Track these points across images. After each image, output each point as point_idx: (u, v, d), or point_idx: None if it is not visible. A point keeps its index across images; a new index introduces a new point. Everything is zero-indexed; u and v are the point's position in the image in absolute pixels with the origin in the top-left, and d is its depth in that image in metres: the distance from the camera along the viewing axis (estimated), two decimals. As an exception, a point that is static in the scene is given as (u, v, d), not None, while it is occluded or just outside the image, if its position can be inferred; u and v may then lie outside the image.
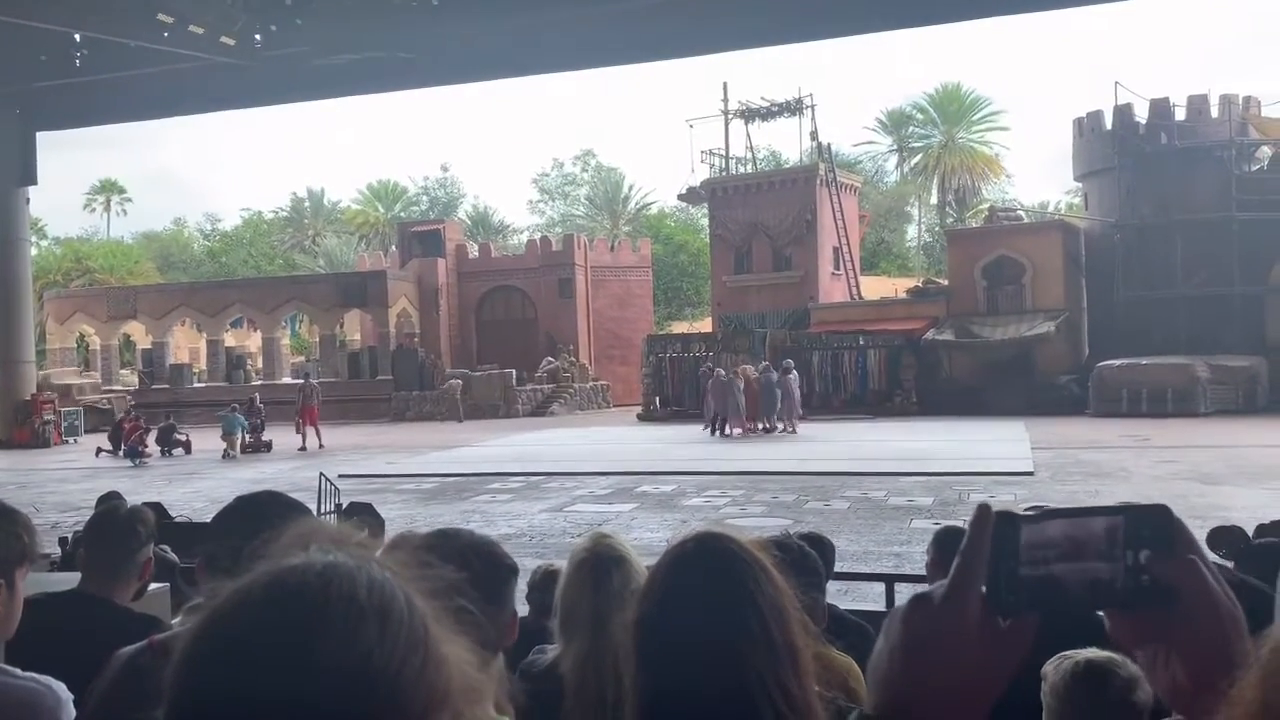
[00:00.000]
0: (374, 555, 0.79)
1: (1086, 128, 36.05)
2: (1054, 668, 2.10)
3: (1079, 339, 34.19)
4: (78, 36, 24.74)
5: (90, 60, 25.40)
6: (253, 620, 0.71)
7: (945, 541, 3.76)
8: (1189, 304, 31.47)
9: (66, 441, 29.75)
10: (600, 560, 2.05)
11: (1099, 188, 35.62)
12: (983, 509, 0.79)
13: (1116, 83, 34.41)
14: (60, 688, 1.86)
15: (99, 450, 24.46)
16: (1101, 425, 24.89)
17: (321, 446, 24.86)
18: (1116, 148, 33.43)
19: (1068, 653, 2.01)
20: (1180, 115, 33.89)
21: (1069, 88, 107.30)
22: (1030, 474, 15.82)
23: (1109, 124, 34.64)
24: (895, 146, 66.32)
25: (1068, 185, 53.43)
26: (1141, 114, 34.13)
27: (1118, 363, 28.70)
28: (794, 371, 26.31)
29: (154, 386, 38.65)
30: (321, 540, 0.77)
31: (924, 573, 4.48)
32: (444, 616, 0.79)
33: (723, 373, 25.79)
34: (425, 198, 72.27)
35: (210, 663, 0.70)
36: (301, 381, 28.54)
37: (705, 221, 47.67)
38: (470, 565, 1.55)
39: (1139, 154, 32.95)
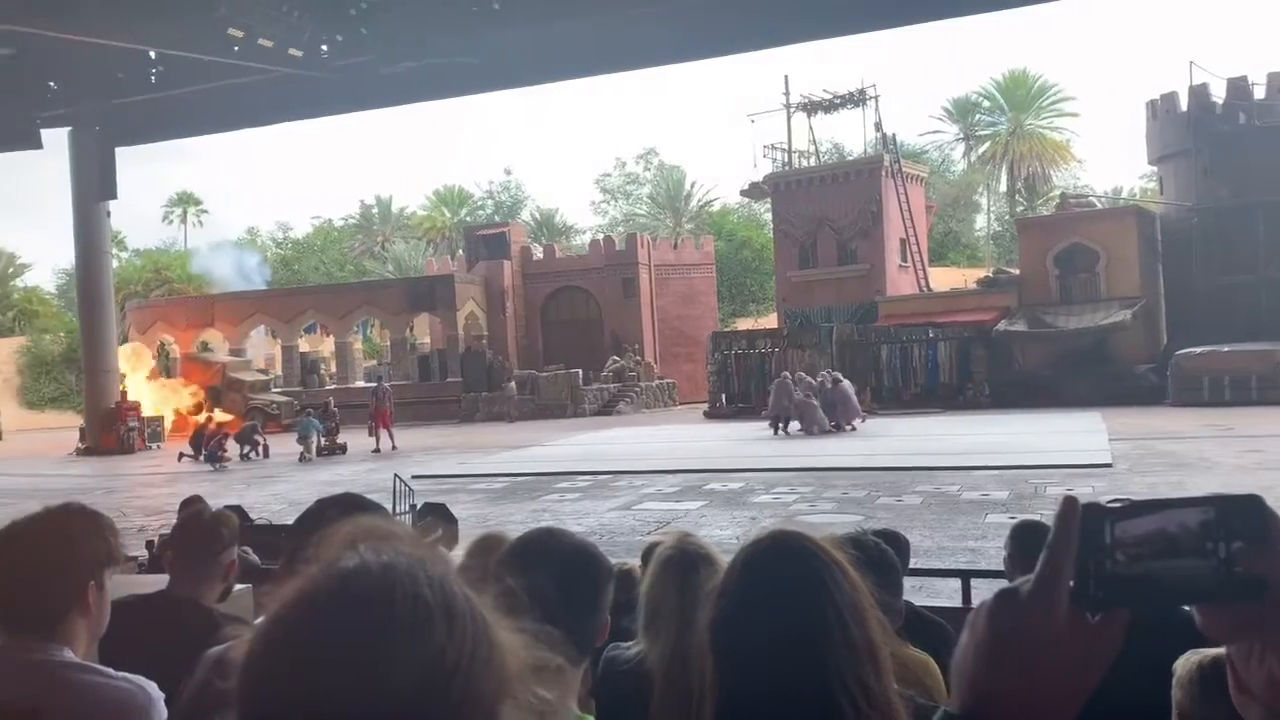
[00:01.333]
0: (425, 552, 0.78)
1: (1161, 110, 35.09)
2: (1183, 662, 2.07)
3: (1156, 327, 33.29)
4: (153, 54, 25.46)
5: (165, 76, 26.14)
6: (322, 624, 0.71)
7: (1023, 536, 3.69)
8: (1272, 288, 30.47)
9: (149, 447, 30.65)
10: (687, 558, 2.06)
11: (1175, 171, 34.66)
12: (1069, 501, 0.77)
13: (1191, 62, 33.50)
14: (152, 687, 1.92)
15: (181, 455, 25.14)
16: (1182, 415, 24.20)
17: (395, 448, 25.26)
18: (1192, 129, 32.52)
19: (1200, 650, 1.97)
20: (1260, 94, 32.82)
21: (1141, 70, 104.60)
22: (1108, 466, 15.45)
23: (1184, 105, 33.71)
24: (962, 135, 65.26)
25: (1142, 170, 52.14)
26: (1218, 94, 33.13)
27: (1198, 350, 27.88)
28: (844, 380, 25.79)
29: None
30: (369, 539, 0.77)
31: (1000, 568, 4.40)
32: (505, 609, 0.79)
33: (787, 375, 25.59)
34: (490, 202, 73.00)
35: (281, 668, 0.70)
36: (375, 385, 29.02)
37: (768, 217, 47.40)
38: (568, 567, 1.57)
39: (1216, 135, 32.00)
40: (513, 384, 35.80)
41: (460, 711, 0.71)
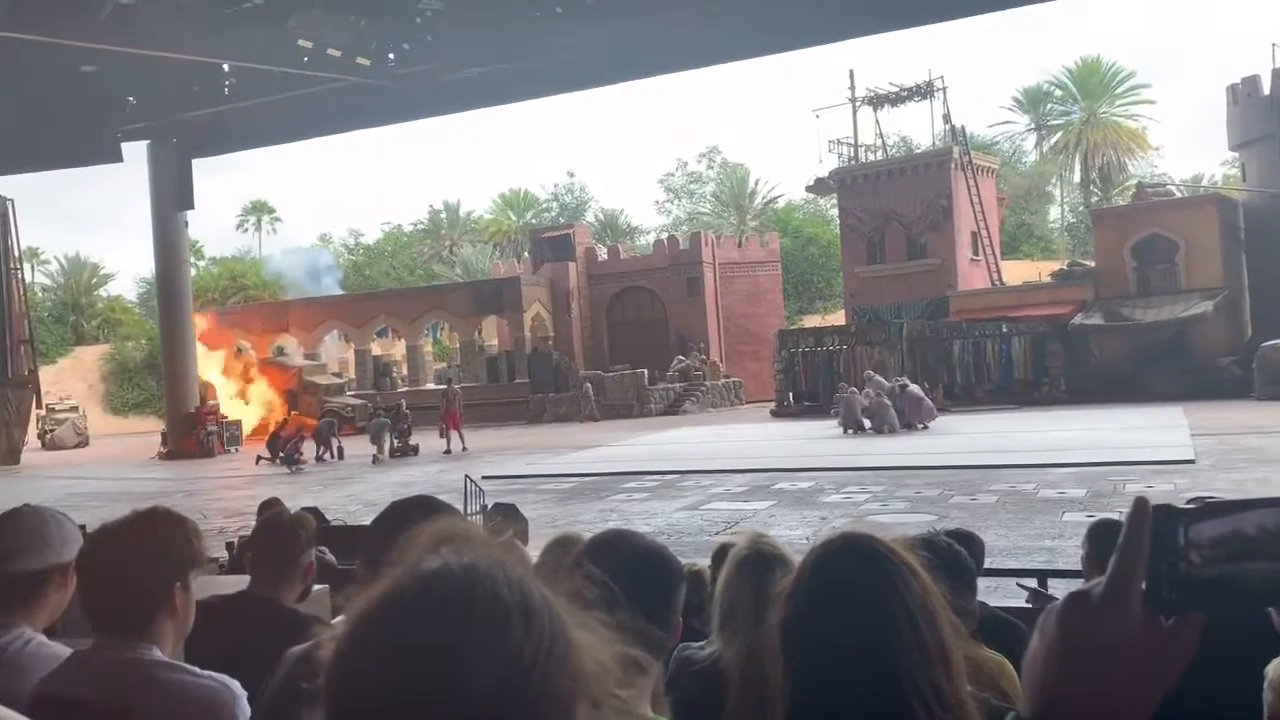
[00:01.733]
0: (504, 553, 0.81)
1: (1242, 94, 34.03)
2: (1276, 665, 2.02)
3: (1240, 318, 32.26)
4: (226, 66, 26.12)
5: (237, 88, 26.80)
6: (405, 623, 0.73)
7: (1100, 535, 3.61)
8: (1364, 276, 29.36)
9: (228, 451, 31.43)
10: (762, 558, 2.06)
11: (1257, 156, 33.58)
12: (1140, 502, 0.75)
13: (1274, 45, 32.46)
14: (236, 685, 1.97)
15: (258, 458, 25.74)
16: (1268, 409, 23.41)
17: (465, 449, 25.57)
18: (1275, 113, 31.52)
19: None
20: (1347, 74, 31.66)
21: (1219, 53, 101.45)
22: (1191, 462, 15.00)
23: (1266, 89, 32.64)
24: (1033, 125, 64.02)
25: (1223, 156, 50.58)
26: (1303, 76, 32.03)
27: (1286, 342, 26.97)
28: (911, 385, 25.39)
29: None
30: (453, 542, 0.80)
31: (1078, 568, 4.31)
32: (580, 608, 0.81)
33: (853, 389, 25.30)
34: (555, 204, 73.52)
35: (366, 666, 0.73)
36: (444, 387, 29.41)
37: (834, 212, 46.98)
38: (640, 569, 1.57)
39: (1302, 118, 30.92)
40: (588, 385, 36.05)
41: (537, 708, 0.73)
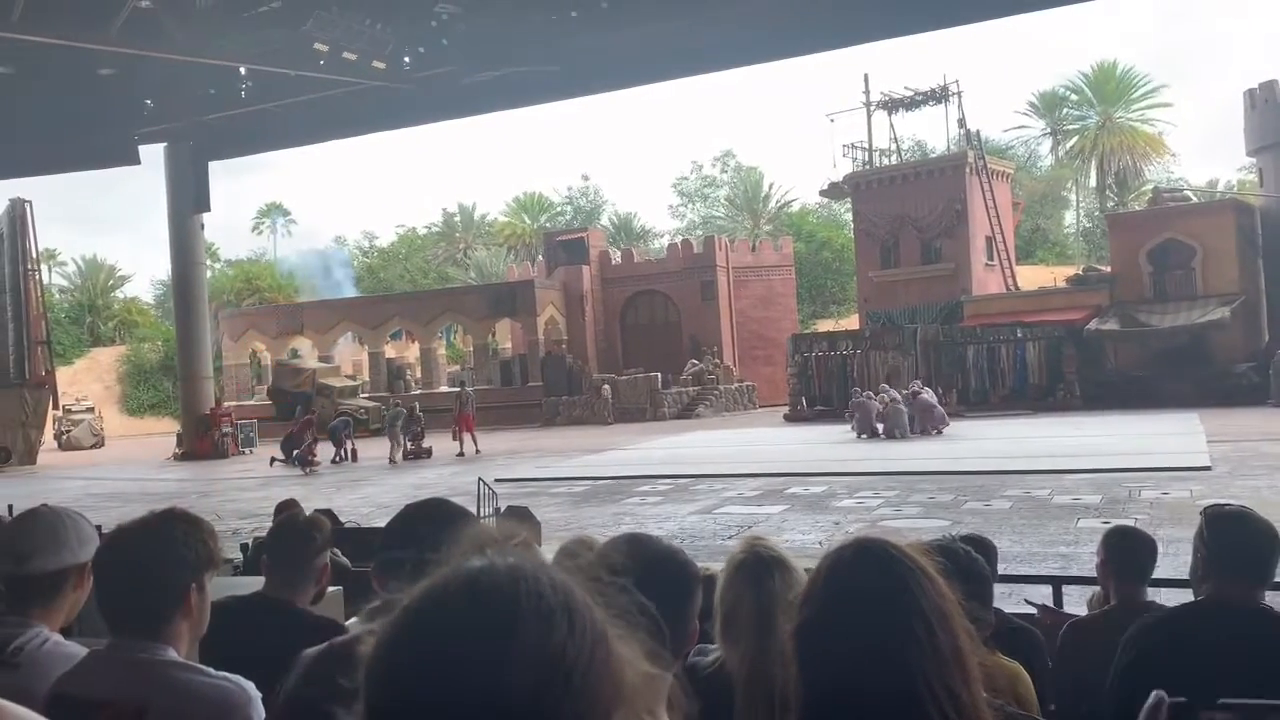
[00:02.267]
0: (544, 558, 0.82)
1: (1259, 99, 33.83)
2: None
3: (1257, 324, 32.04)
4: (242, 70, 26.29)
5: (254, 91, 26.98)
6: (452, 621, 0.75)
7: (1115, 542, 3.60)
8: (1383, 282, 29.12)
9: (242, 452, 31.55)
10: (760, 561, 2.05)
11: (1274, 162, 33.38)
12: (1157, 701, 0.77)
13: (1292, 49, 32.16)
14: (250, 686, 1.98)
15: (273, 460, 25.84)
16: (1286, 416, 23.26)
17: (478, 452, 25.60)
18: (1294, 118, 31.25)
19: None
20: (1366, 79, 31.44)
21: (1236, 58, 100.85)
22: (1207, 469, 14.91)
23: (1285, 94, 32.41)
24: (1049, 130, 63.75)
25: (1240, 161, 50.23)
26: (1321, 80, 31.81)
27: (1303, 348, 26.78)
28: (924, 391, 25.35)
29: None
30: (496, 545, 0.81)
31: (1093, 574, 4.29)
32: (617, 619, 0.81)
33: (868, 394, 25.31)
34: (569, 207, 73.61)
35: (414, 661, 0.74)
36: (458, 390, 29.48)
37: (848, 217, 46.88)
38: (657, 573, 1.57)
39: (1320, 123, 30.71)
40: (606, 386, 36.08)
41: (578, 708, 0.74)
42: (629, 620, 0.83)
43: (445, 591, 0.77)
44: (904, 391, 25.26)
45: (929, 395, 25.24)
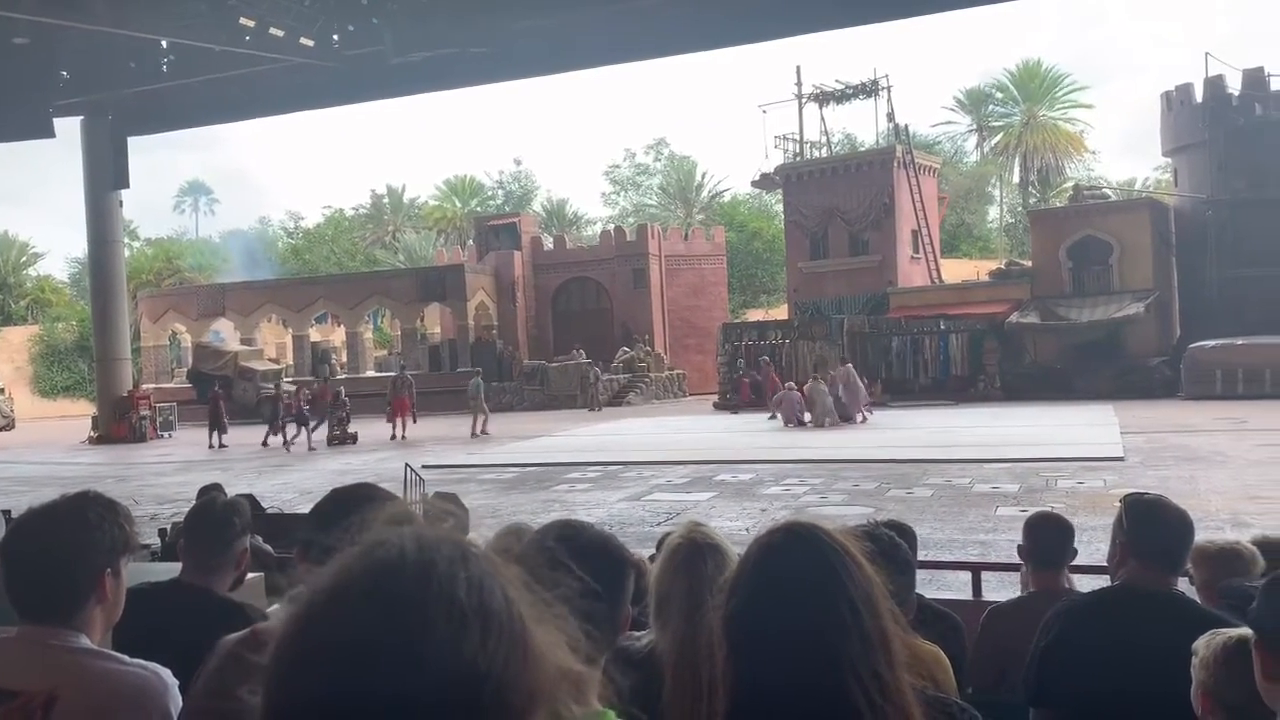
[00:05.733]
0: (471, 541, 0.78)
1: (1175, 101, 34.88)
2: (1206, 642, 2.09)
3: (1169, 320, 33.15)
4: (164, 43, 25.52)
5: (176, 66, 26.19)
6: (352, 620, 0.69)
7: (1037, 529, 3.70)
8: (1287, 281, 30.29)
9: (161, 436, 30.77)
10: (695, 547, 2.05)
11: (1189, 163, 34.46)
12: None
13: (1207, 54, 33.45)
14: (166, 674, 1.93)
15: (264, 442, 25.25)
16: (1195, 408, 24.11)
17: (403, 438, 25.36)
18: (1208, 121, 32.31)
19: (1222, 630, 1.99)
20: (1276, 85, 32.60)
21: (1155, 60, 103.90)
22: (1120, 459, 15.39)
23: (1199, 96, 33.47)
24: (975, 126, 64.97)
25: (1156, 161, 51.75)
26: (1234, 85, 32.90)
27: (1211, 343, 27.76)
28: (847, 365, 25.71)
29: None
30: (415, 525, 0.77)
31: (1011, 560, 4.41)
32: (550, 605, 0.78)
33: (792, 385, 25.53)
34: (501, 192, 72.99)
35: (310, 663, 0.69)
36: (395, 374, 29.12)
37: (780, 208, 47.30)
38: (592, 561, 1.56)
39: (1232, 127, 31.79)
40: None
41: (488, 716, 0.69)
42: (564, 604, 0.79)
43: (350, 586, 0.71)
44: (830, 374, 25.50)
45: (856, 378, 25.54)
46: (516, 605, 0.74)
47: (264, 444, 24.85)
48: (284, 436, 24.52)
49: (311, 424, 24.99)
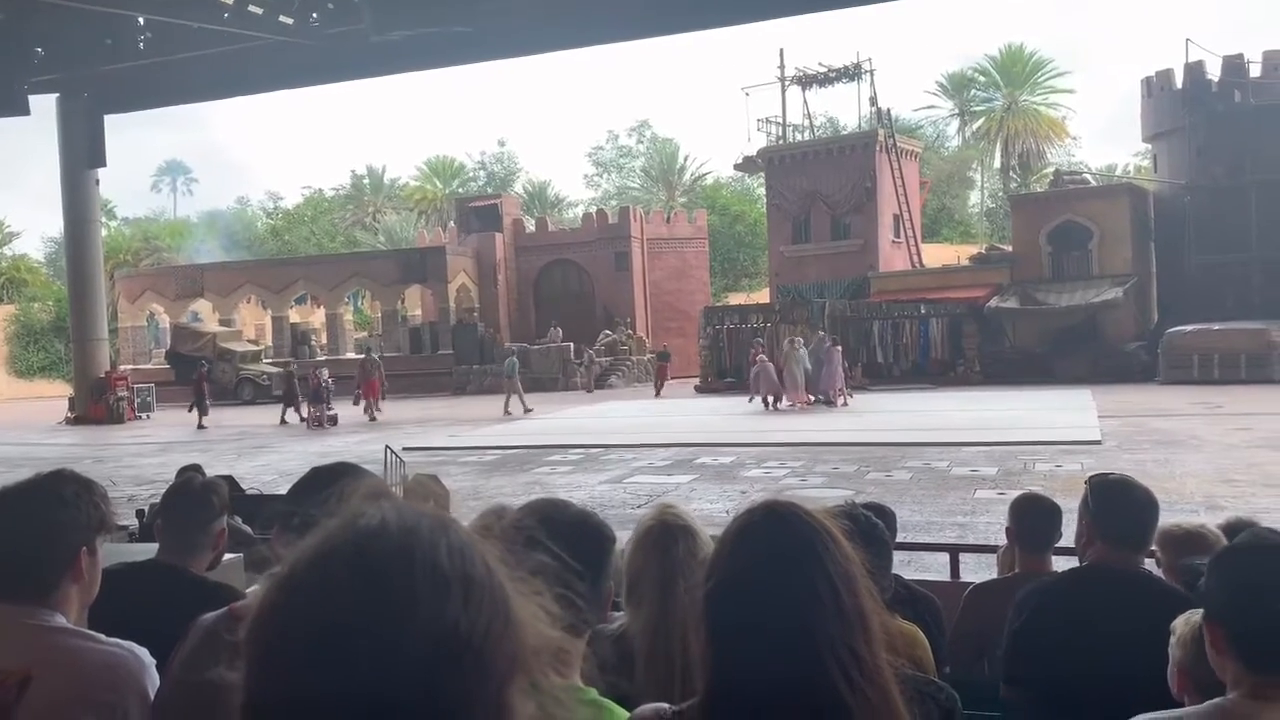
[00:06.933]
0: (451, 516, 0.78)
1: (1156, 87, 35.03)
2: (1183, 622, 2.11)
3: (1148, 305, 33.40)
4: (141, 20, 25.18)
5: (153, 43, 25.84)
6: (336, 586, 0.69)
7: (1024, 510, 3.73)
8: (1264, 268, 30.56)
9: (139, 417, 30.54)
10: (667, 529, 2.06)
11: (1169, 149, 34.65)
12: None
13: (1188, 40, 33.69)
14: (143, 653, 1.92)
15: (283, 420, 25.46)
16: (1171, 393, 24.33)
17: (374, 419, 25.36)
18: (1187, 107, 32.46)
19: (1199, 610, 2.01)
20: (1255, 72, 32.78)
21: (1136, 46, 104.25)
22: (1098, 443, 15.52)
23: (1179, 83, 33.63)
24: (957, 111, 65.05)
25: (1136, 147, 52.09)
26: (1214, 71, 33.07)
27: (1189, 328, 28.01)
28: (839, 349, 25.73)
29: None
30: (395, 497, 0.77)
31: (989, 542, 4.46)
32: (530, 579, 0.78)
33: (765, 360, 25.54)
34: (482, 173, 72.62)
35: (296, 629, 0.69)
36: (363, 356, 29.03)
37: (762, 191, 47.27)
38: (574, 538, 1.56)
39: (1211, 113, 31.95)
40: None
41: (469, 684, 0.70)
42: (545, 579, 0.79)
43: (332, 554, 0.71)
44: (815, 339, 25.55)
45: (839, 359, 25.53)
46: (497, 574, 0.74)
47: (282, 421, 24.95)
48: (314, 411, 24.54)
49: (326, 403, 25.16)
